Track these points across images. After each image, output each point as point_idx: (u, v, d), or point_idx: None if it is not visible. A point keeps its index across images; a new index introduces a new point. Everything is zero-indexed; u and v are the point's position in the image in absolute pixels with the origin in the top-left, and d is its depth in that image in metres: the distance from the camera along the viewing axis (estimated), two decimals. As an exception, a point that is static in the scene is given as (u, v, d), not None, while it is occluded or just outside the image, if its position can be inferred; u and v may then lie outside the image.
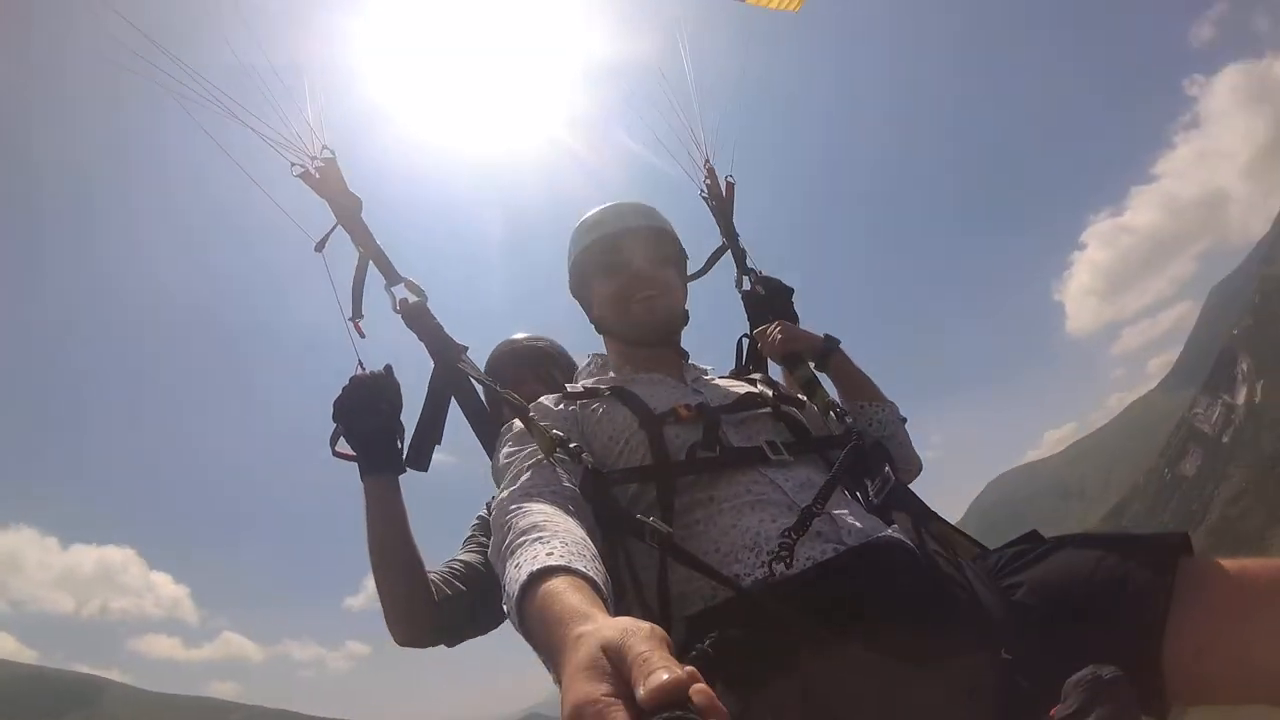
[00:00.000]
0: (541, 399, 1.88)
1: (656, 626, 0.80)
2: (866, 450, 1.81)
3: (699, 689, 0.72)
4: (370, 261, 2.13)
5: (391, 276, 2.10)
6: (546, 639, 0.95)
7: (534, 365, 2.60)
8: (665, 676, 0.71)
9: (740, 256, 2.55)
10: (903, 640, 1.24)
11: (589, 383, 1.95)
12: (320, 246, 2.11)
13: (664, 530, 1.39)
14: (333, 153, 2.13)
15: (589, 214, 2.14)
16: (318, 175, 2.10)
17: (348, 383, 2.06)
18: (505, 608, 1.13)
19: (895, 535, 1.52)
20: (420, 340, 2.08)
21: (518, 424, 1.72)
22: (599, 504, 1.49)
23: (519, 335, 2.78)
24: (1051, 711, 1.10)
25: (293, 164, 2.08)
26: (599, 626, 0.84)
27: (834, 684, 1.16)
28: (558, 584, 1.02)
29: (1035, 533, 1.66)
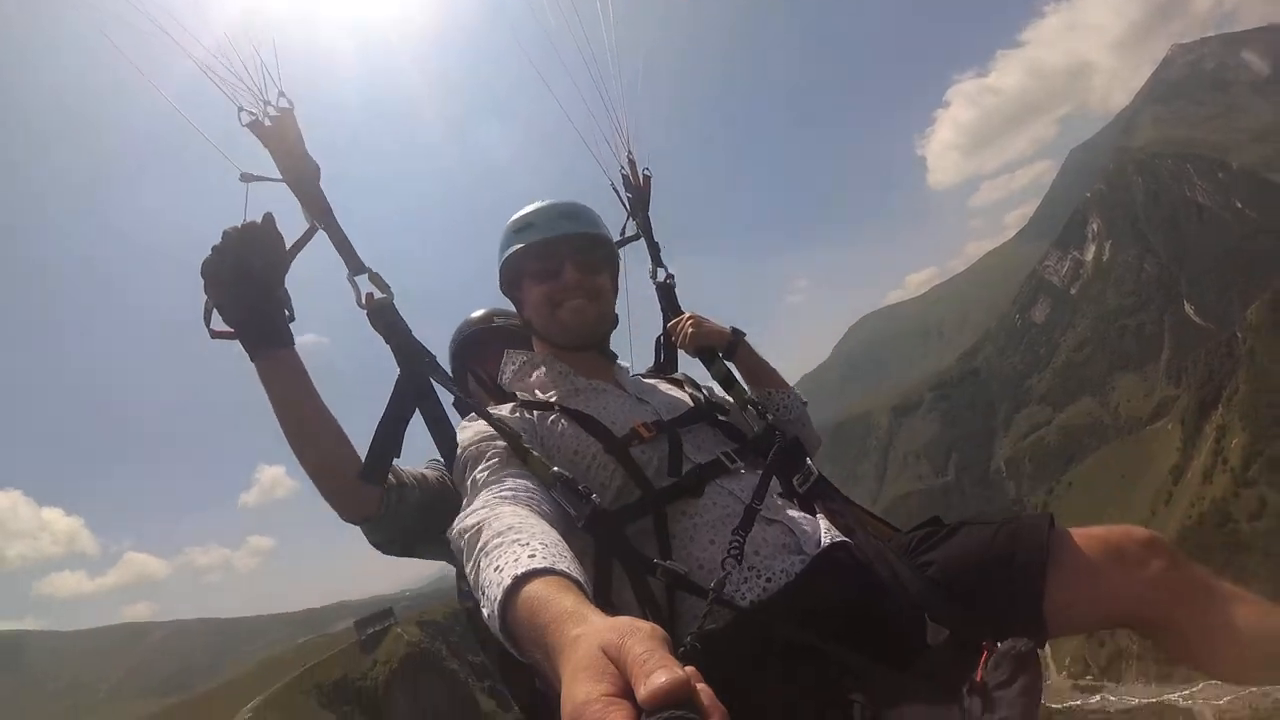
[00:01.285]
0: (498, 409, 1.84)
1: (656, 626, 0.81)
2: (790, 447, 1.98)
3: (700, 689, 0.73)
4: (321, 240, 1.85)
5: (355, 265, 1.88)
6: (541, 641, 0.94)
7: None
8: (666, 676, 0.72)
9: (655, 250, 2.56)
10: (878, 640, 1.51)
11: (538, 391, 1.97)
12: (249, 178, 1.82)
13: (680, 571, 1.53)
14: (290, 103, 1.83)
15: (520, 213, 2.06)
16: (269, 124, 1.81)
17: (218, 240, 1.72)
18: (485, 610, 1.11)
19: (840, 538, 1.75)
20: (387, 342, 1.90)
21: (480, 423, 1.72)
22: (605, 537, 1.58)
23: (490, 313, 2.64)
24: (977, 676, 1.37)
25: (240, 109, 1.79)
26: (597, 627, 0.84)
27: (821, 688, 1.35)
28: (546, 585, 1.02)
29: (937, 518, 1.93)
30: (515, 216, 2.06)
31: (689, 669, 0.74)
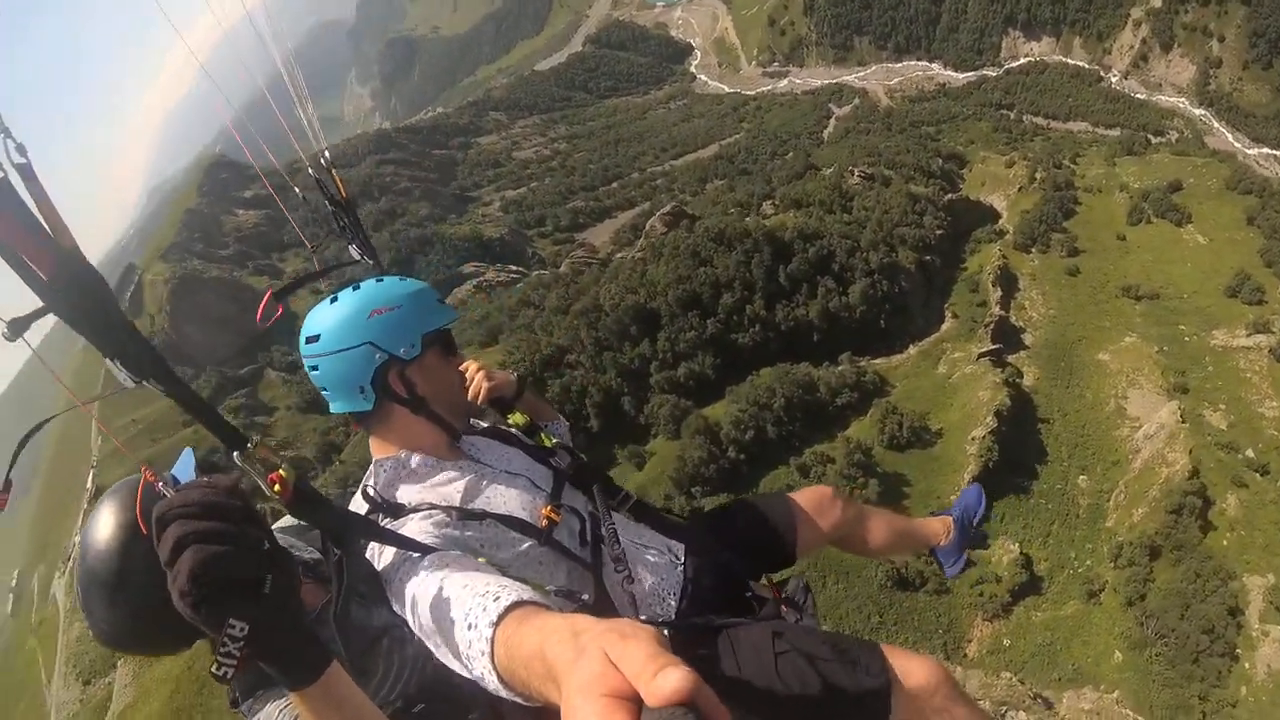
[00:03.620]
0: (419, 526, 1.79)
1: (655, 628, 0.85)
2: (605, 478, 2.25)
3: (703, 689, 0.76)
4: None
5: (235, 440, 1.43)
6: (543, 655, 0.98)
7: None
8: (669, 677, 0.75)
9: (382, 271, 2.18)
10: (738, 598, 2.33)
11: (436, 498, 1.93)
12: (20, 327, 1.23)
13: (645, 619, 2.03)
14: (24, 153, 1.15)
15: (416, 283, 2.02)
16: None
17: (168, 533, 1.09)
18: (479, 671, 1.13)
19: (680, 544, 2.33)
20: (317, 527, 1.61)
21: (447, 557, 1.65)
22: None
23: None
24: (777, 595, 2.34)
25: None
26: (597, 631, 0.88)
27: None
28: (527, 612, 1.09)
29: (725, 506, 2.76)
30: (417, 286, 2.00)
31: (692, 671, 0.77)
